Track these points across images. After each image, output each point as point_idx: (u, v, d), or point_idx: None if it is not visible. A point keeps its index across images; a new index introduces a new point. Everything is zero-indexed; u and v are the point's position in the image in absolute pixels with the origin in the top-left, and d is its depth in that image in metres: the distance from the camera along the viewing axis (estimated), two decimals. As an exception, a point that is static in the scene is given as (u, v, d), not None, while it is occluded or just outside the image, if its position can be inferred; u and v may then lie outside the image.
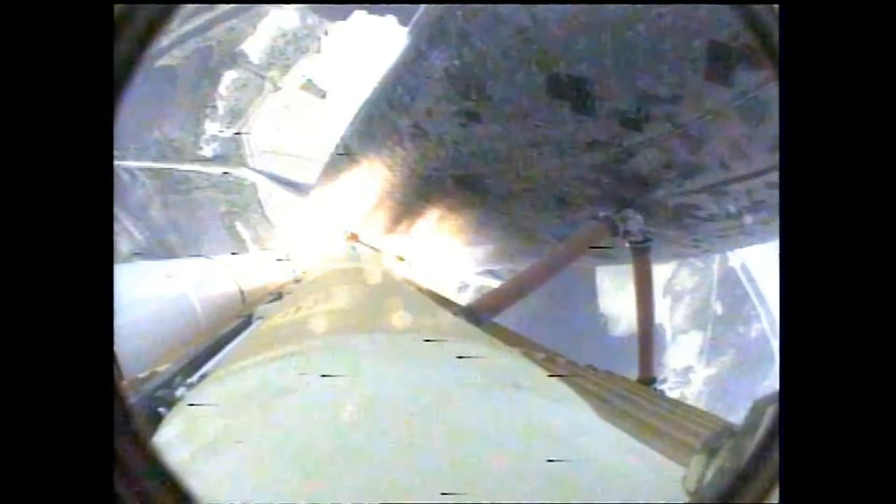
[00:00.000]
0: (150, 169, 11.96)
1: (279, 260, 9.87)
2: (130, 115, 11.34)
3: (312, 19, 11.66)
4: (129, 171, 11.89)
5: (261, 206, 12.15)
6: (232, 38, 11.65)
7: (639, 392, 3.02)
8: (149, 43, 0.65)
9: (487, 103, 4.48)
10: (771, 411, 0.70)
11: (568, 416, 1.34)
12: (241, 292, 6.11)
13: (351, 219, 9.59)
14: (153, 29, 0.65)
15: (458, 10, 4.22)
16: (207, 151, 11.88)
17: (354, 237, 9.60)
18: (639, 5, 3.24)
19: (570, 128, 4.15)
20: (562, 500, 0.78)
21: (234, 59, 11.80)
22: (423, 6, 5.07)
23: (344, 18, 11.56)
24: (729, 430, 0.74)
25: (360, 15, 11.44)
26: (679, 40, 3.22)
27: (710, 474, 0.71)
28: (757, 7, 0.73)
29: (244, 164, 12.17)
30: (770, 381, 15.63)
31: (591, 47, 3.58)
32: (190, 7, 11.14)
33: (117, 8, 0.64)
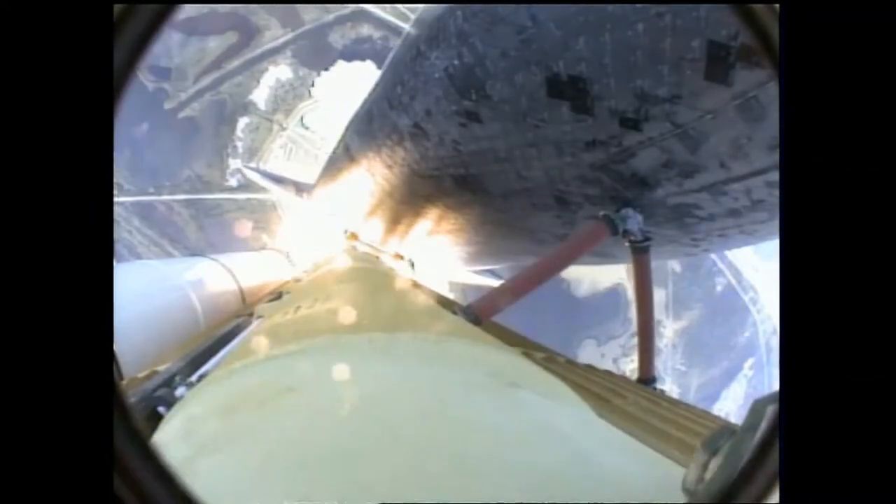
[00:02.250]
0: (184, 201, 14.84)
1: (279, 259, 9.89)
2: (162, 159, 14.46)
3: (303, 71, 14.57)
4: (166, 203, 14.74)
5: (281, 220, 14.80)
6: (241, 91, 14.65)
7: (639, 392, 3.02)
8: (149, 43, 0.65)
9: (487, 103, 4.47)
10: (771, 411, 0.70)
11: (567, 415, 1.34)
12: (241, 292, 6.11)
13: (351, 218, 9.59)
14: (153, 29, 0.65)
15: (458, 10, 4.22)
16: (233, 182, 14.93)
17: (354, 237, 9.59)
18: (639, 5, 3.24)
19: (570, 127, 4.15)
20: (562, 500, 0.78)
21: (245, 107, 14.74)
22: (422, 6, 5.07)
23: (327, 69, 14.38)
24: (729, 430, 0.74)
25: (341, 64, 14.21)
26: (679, 40, 3.21)
27: (710, 474, 0.71)
28: (757, 7, 0.73)
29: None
30: (747, 333, 15.80)
31: (590, 47, 3.58)
32: (201, 66, 14.00)
33: (117, 8, 0.64)
